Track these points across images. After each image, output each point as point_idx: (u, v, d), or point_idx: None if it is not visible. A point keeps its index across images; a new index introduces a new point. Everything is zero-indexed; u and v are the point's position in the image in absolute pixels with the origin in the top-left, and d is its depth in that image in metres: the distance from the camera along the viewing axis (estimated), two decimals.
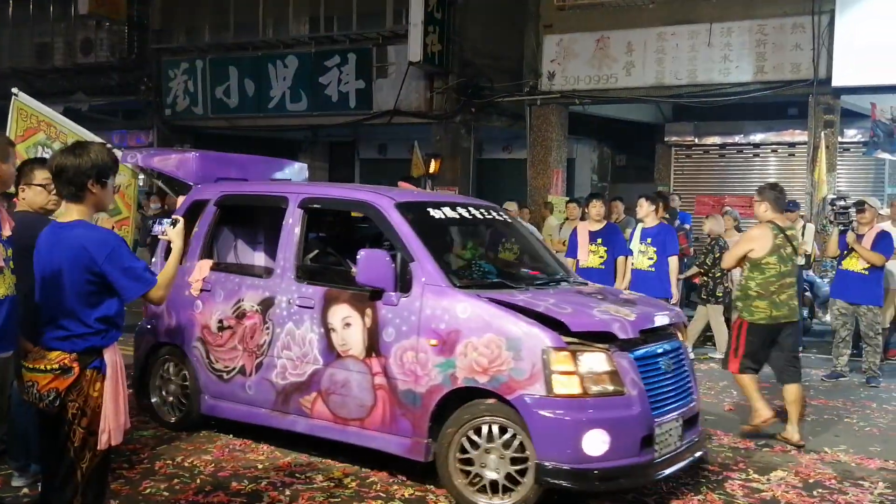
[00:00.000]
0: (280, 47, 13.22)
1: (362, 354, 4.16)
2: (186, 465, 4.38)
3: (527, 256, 5.60)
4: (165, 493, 3.93)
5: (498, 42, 11.87)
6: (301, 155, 15.80)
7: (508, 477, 3.71)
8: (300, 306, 4.40)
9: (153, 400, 5.08)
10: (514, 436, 3.69)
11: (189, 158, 5.44)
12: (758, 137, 12.25)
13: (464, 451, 3.80)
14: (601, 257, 7.13)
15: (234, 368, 4.66)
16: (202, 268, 4.84)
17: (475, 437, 3.78)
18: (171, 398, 5.01)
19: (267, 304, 4.54)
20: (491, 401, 3.75)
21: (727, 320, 7.74)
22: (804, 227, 8.55)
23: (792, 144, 11.93)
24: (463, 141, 12.16)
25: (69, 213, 2.77)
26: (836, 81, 9.45)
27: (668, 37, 10.43)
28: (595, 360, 3.65)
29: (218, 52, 13.72)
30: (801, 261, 8.39)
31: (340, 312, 4.25)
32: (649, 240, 7.19)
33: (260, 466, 4.42)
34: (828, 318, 8.59)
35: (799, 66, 9.81)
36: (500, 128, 12.53)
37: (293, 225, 4.58)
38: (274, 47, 13.26)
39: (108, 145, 3.14)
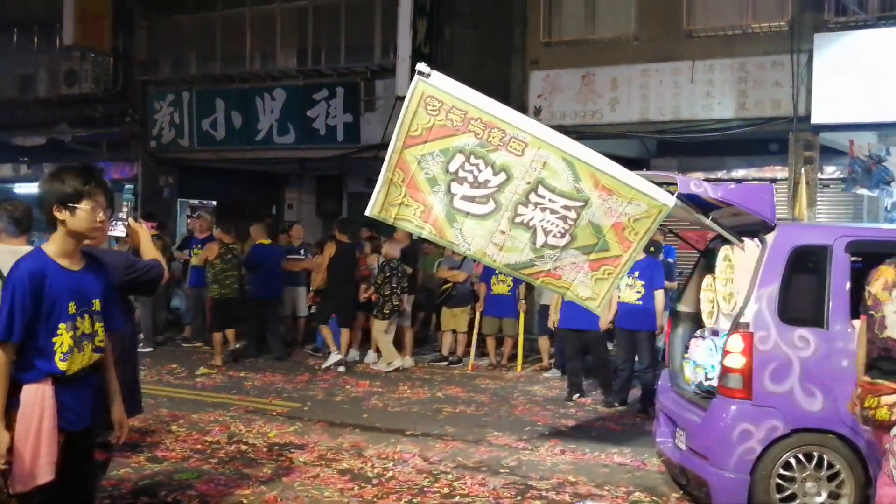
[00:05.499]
0: (268, 80, 13.26)
1: None
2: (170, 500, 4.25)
3: None
4: None
5: (485, 77, 11.97)
6: (288, 188, 15.74)
7: None
8: None
9: None
10: None
11: (766, 190, 4.59)
12: (740, 173, 12.42)
13: None
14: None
15: None
16: None
17: None
18: None
19: None
20: None
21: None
22: None
23: (773, 180, 12.06)
24: None
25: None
26: (816, 119, 9.63)
27: (651, 73, 10.61)
28: None
29: (205, 84, 13.71)
30: None
31: None
32: (637, 273, 7.24)
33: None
34: None
35: (779, 102, 10.01)
36: None
37: None
38: (262, 80, 13.30)
39: None
